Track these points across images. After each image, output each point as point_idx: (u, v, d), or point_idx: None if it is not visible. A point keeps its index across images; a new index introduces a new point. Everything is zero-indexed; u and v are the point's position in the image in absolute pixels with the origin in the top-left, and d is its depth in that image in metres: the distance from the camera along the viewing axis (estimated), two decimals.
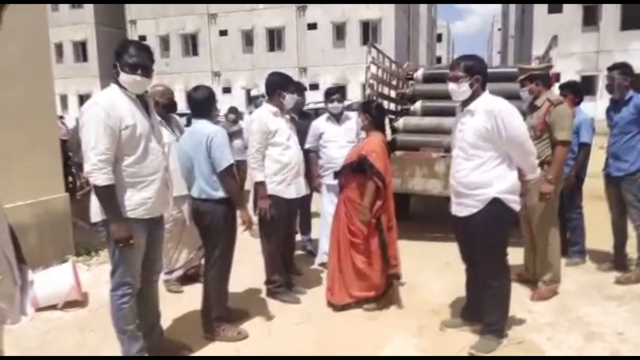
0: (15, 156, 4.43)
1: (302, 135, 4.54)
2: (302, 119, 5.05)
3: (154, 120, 2.83)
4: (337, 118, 4.71)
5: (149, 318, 3.01)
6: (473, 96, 3.02)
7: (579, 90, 4.80)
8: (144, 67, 2.65)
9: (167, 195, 2.87)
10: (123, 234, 2.57)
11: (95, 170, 2.50)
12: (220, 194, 3.19)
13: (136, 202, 2.65)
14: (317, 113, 8.74)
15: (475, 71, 3.00)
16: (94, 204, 2.65)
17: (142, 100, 2.75)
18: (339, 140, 4.51)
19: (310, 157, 4.89)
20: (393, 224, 3.80)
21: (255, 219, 3.84)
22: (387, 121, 4.96)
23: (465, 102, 3.06)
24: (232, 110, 8.57)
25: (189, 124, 3.42)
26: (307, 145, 4.81)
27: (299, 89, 5.10)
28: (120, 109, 2.57)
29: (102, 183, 2.51)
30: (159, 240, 3.00)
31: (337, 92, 4.83)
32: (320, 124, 4.78)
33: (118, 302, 2.75)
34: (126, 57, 2.61)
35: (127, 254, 2.68)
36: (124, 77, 2.62)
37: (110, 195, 2.56)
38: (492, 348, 3.05)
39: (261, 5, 29.76)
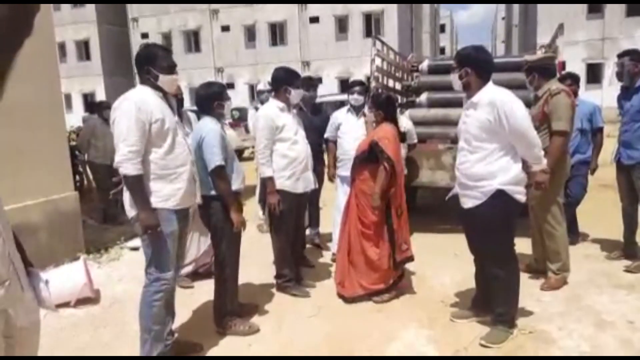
0: (25, 155, 4.46)
1: (313, 130, 4.55)
2: (313, 114, 5.05)
3: (176, 117, 2.94)
4: (357, 110, 4.71)
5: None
6: (474, 87, 3.01)
7: (577, 80, 4.91)
8: (175, 66, 2.90)
9: (194, 187, 2.97)
10: (151, 222, 2.66)
11: (125, 160, 2.60)
12: (213, 191, 3.21)
13: (168, 192, 2.76)
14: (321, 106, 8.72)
15: (466, 62, 3.01)
16: (127, 199, 2.74)
17: (165, 98, 2.88)
18: (354, 132, 4.51)
19: (329, 147, 4.94)
20: (404, 210, 3.82)
21: (261, 214, 3.87)
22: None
23: (470, 94, 3.06)
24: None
25: (198, 119, 3.46)
26: (326, 135, 4.90)
27: (312, 84, 5.11)
28: (150, 104, 2.70)
29: (132, 172, 2.62)
30: (185, 235, 3.06)
31: (359, 84, 4.84)
32: (340, 115, 4.82)
33: (150, 299, 2.78)
34: (161, 60, 2.80)
35: (163, 247, 2.75)
36: (164, 78, 2.80)
37: (139, 185, 2.66)
38: (503, 339, 3.06)
39: None
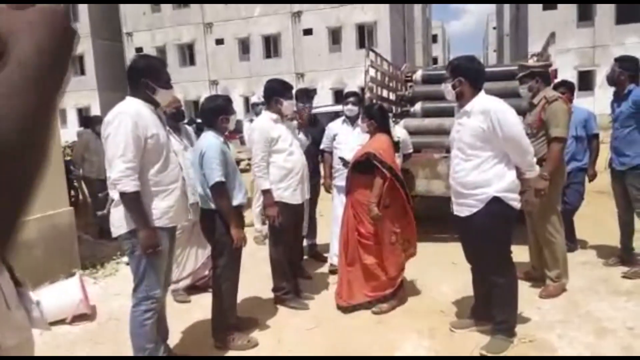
0: None
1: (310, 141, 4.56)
2: (309, 125, 5.05)
3: (167, 131, 2.89)
4: (352, 121, 4.73)
5: (159, 334, 3.00)
6: (467, 97, 3.03)
7: (572, 88, 4.96)
8: (170, 79, 2.85)
9: (186, 203, 2.91)
10: (152, 241, 2.59)
11: (124, 177, 2.52)
12: (213, 205, 3.19)
13: (161, 210, 2.69)
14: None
15: (459, 72, 3.04)
16: (116, 217, 2.65)
17: (155, 111, 2.81)
18: (350, 143, 4.52)
19: (325, 158, 4.94)
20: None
21: (258, 226, 3.83)
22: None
23: (462, 103, 3.08)
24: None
25: (197, 132, 3.45)
26: (322, 146, 4.91)
27: (308, 95, 5.12)
28: (145, 119, 2.63)
29: (131, 189, 2.54)
30: (173, 252, 3.02)
31: (353, 95, 4.86)
32: (335, 126, 4.84)
33: (140, 319, 2.72)
34: (161, 74, 2.74)
35: (154, 265, 2.68)
36: (163, 92, 2.74)
37: (138, 202, 2.59)
38: (503, 348, 3.05)
39: (256, 12, 29.82)
